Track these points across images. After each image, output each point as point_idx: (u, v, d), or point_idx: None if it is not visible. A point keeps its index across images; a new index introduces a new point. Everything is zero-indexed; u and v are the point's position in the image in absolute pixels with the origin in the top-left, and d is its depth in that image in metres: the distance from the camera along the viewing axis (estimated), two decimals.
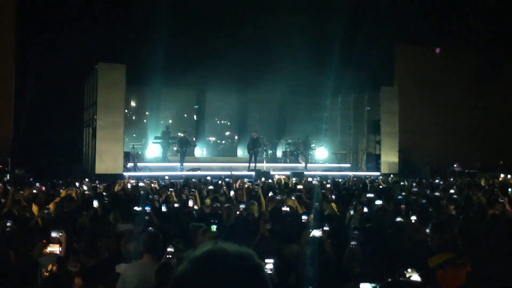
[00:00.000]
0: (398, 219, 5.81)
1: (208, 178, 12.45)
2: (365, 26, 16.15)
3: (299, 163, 18.82)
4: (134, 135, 20.17)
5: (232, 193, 8.76)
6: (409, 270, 2.51)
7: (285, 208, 6.70)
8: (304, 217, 5.95)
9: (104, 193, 8.56)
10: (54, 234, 4.26)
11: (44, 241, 3.92)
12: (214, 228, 5.09)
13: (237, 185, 10.30)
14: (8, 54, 15.17)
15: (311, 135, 18.56)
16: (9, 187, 7.68)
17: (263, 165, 16.92)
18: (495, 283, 3.42)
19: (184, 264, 1.08)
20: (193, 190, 8.91)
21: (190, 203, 7.18)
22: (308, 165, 18.91)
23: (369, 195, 7.89)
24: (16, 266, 3.46)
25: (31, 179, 11.60)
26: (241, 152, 21.67)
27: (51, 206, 6.54)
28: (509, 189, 9.60)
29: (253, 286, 1.05)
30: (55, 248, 3.73)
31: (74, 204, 7.10)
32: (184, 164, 16.25)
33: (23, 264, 3.45)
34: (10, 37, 15.21)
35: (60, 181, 11.38)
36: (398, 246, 4.73)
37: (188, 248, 4.39)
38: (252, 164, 16.37)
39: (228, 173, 12.96)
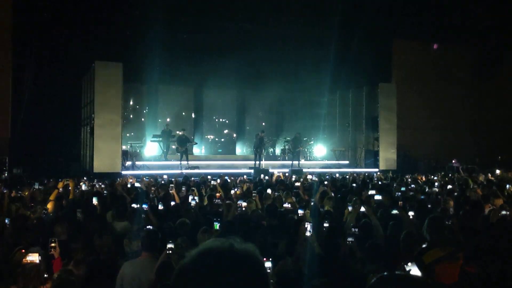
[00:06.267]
0: (394, 211, 5.84)
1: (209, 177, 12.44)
2: (362, 22, 16.13)
3: (299, 160, 18.82)
4: (132, 133, 20.14)
5: (232, 191, 8.77)
6: (409, 264, 2.51)
7: (286, 205, 6.72)
8: (300, 211, 5.98)
9: (105, 191, 8.55)
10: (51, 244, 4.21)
11: (23, 250, 3.89)
12: (217, 226, 5.10)
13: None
14: (5, 53, 15.12)
15: (300, 133, 18.48)
16: (4, 190, 7.64)
17: (262, 163, 16.95)
18: (492, 279, 3.42)
19: (188, 257, 1.09)
20: (193, 188, 8.91)
21: (190, 199, 7.19)
22: (306, 162, 18.92)
23: (370, 192, 7.87)
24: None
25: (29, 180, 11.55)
26: (239, 150, 21.67)
27: (51, 198, 6.53)
28: (507, 185, 9.60)
29: (254, 283, 1.07)
30: (34, 258, 3.68)
31: (71, 199, 7.12)
32: (183, 162, 16.24)
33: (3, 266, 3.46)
34: (7, 36, 15.15)
35: (60, 179, 11.35)
36: (396, 241, 4.73)
37: (191, 246, 4.40)
38: (258, 162, 16.49)
39: (227, 171, 12.99)
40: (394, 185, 10.33)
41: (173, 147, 17.58)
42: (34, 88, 15.58)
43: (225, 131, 23.94)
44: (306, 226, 4.51)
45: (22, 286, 3.35)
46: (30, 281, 3.41)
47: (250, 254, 1.09)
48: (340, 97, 21.10)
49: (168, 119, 21.00)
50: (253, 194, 7.62)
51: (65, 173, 13.21)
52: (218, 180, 10.91)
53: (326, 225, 5.22)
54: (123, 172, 14.23)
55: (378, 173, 16.01)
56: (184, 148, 16.37)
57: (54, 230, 4.76)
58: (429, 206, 6.92)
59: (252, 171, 15.30)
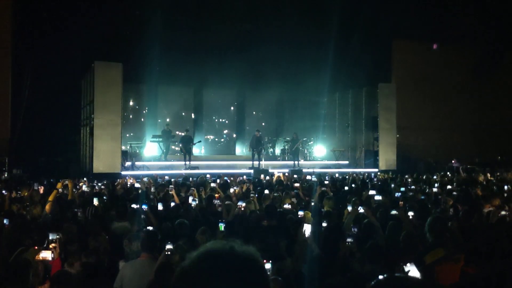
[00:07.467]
0: (393, 212, 5.84)
1: (208, 176, 12.44)
2: (362, 23, 16.12)
3: (298, 160, 18.82)
4: (132, 133, 20.13)
5: (231, 190, 8.78)
6: (408, 264, 2.52)
7: (286, 206, 6.72)
8: (300, 213, 5.99)
9: (105, 192, 8.55)
10: (51, 237, 4.22)
11: (36, 247, 3.90)
12: (222, 227, 5.10)
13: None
14: (4, 53, 15.11)
15: (297, 133, 18.46)
16: (4, 192, 7.65)
17: (262, 163, 16.96)
18: (491, 280, 3.42)
19: (189, 259, 1.10)
20: (192, 188, 8.91)
21: (190, 199, 7.19)
22: (306, 162, 18.90)
23: (371, 192, 7.86)
24: (10, 265, 3.46)
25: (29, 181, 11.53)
26: (239, 150, 21.66)
27: (50, 199, 6.54)
28: (506, 186, 9.59)
29: (254, 285, 1.08)
30: (47, 254, 3.70)
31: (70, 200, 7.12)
32: (186, 162, 16.25)
33: (17, 264, 3.45)
34: (6, 36, 15.15)
35: (59, 180, 11.34)
36: (395, 241, 4.73)
37: (192, 247, 4.40)
38: (256, 162, 16.50)
39: (226, 171, 13.00)
40: (393, 185, 10.33)
41: (177, 148, 17.54)
42: (34, 88, 15.56)
43: (225, 131, 23.93)
44: (305, 226, 4.51)
45: (21, 285, 3.35)
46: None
47: (250, 257, 1.10)
48: (339, 97, 21.10)
49: (168, 119, 20.98)
50: (251, 194, 7.62)
51: (65, 173, 13.21)
52: (218, 181, 10.92)
53: (325, 225, 5.23)
54: (123, 173, 14.23)
55: (378, 173, 16.02)
56: (188, 147, 16.44)
57: (62, 229, 4.76)
58: (429, 206, 6.92)
59: (252, 171, 15.31)
